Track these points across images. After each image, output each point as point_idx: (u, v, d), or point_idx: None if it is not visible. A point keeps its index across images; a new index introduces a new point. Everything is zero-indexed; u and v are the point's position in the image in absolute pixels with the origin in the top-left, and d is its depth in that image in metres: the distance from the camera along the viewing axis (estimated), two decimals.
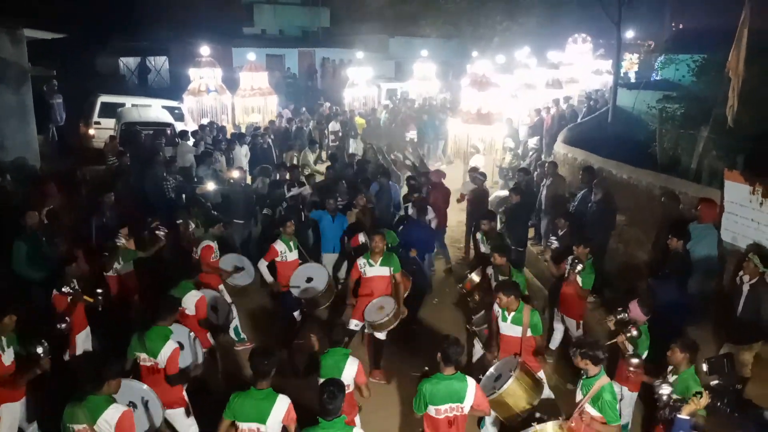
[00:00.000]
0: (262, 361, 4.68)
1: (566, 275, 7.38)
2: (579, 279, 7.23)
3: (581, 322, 7.56)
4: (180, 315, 6.45)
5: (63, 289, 6.32)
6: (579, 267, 7.06)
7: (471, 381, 4.94)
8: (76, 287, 6.50)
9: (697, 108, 12.16)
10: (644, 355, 5.79)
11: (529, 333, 6.03)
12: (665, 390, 4.96)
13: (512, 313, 6.05)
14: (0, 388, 5.36)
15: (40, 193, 8.79)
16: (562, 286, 7.52)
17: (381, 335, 7.26)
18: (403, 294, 7.34)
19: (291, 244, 8.06)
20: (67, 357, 6.52)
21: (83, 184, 10.21)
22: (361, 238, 8.76)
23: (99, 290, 6.64)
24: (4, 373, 5.36)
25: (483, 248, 8.66)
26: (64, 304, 6.34)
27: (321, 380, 5.27)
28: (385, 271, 7.22)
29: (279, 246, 7.95)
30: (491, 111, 13.01)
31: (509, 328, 6.11)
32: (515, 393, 5.37)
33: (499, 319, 6.18)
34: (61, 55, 18.93)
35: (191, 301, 6.48)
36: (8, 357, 5.44)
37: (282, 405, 4.62)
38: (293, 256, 8.07)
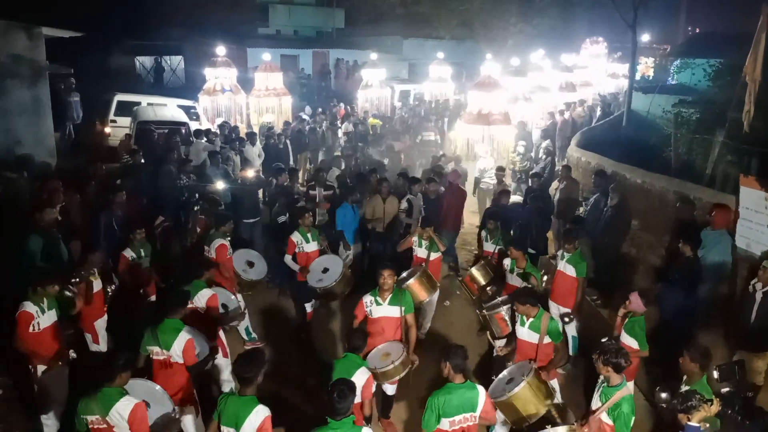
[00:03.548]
0: (245, 368, 4.55)
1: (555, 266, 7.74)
2: (572, 269, 7.40)
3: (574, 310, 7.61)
4: (192, 312, 6.53)
5: (73, 279, 6.46)
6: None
7: (481, 389, 4.91)
8: (95, 274, 6.72)
9: (713, 113, 12.08)
10: (644, 348, 6.15)
11: (546, 340, 6.02)
12: (663, 396, 4.95)
13: (530, 320, 6.06)
14: (36, 347, 5.76)
15: (46, 189, 8.88)
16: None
17: (389, 389, 6.40)
18: (414, 339, 6.41)
19: (309, 235, 8.14)
20: (92, 346, 6.85)
21: (96, 181, 10.28)
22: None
23: (112, 287, 6.85)
24: (44, 334, 5.81)
25: (486, 246, 8.81)
26: (82, 290, 6.55)
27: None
28: (395, 311, 6.28)
29: (295, 237, 8.07)
30: (492, 111, 12.96)
31: (526, 334, 6.11)
32: (525, 397, 5.37)
33: (518, 324, 6.20)
34: (78, 53, 19.09)
35: (203, 299, 6.53)
36: (48, 319, 5.86)
37: (258, 416, 4.41)
38: (311, 247, 8.16)
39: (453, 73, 25.33)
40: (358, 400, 5.07)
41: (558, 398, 6.16)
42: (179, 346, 5.46)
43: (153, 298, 7.88)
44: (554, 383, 6.04)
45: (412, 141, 17.06)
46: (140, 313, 7.29)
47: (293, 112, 18.77)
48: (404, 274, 7.62)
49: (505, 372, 5.87)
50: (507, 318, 6.95)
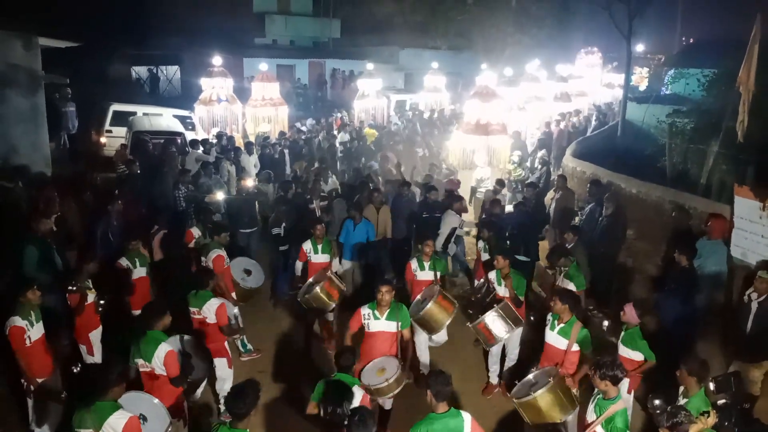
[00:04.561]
0: (237, 405, 4.41)
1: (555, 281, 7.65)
2: (570, 284, 7.34)
3: None
4: (200, 324, 6.54)
5: (70, 287, 6.53)
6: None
7: (466, 415, 4.64)
8: (89, 285, 6.73)
9: (707, 122, 12.13)
10: (651, 358, 6.06)
11: (574, 348, 5.98)
12: (656, 403, 4.92)
13: (561, 325, 6.04)
14: (30, 361, 5.75)
15: (42, 199, 8.85)
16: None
17: (387, 404, 6.32)
18: (410, 355, 6.41)
19: (319, 246, 8.19)
20: (87, 357, 6.80)
21: (91, 191, 10.26)
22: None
23: (102, 301, 6.82)
24: (35, 346, 5.79)
25: (484, 256, 8.66)
26: (76, 300, 6.62)
27: (321, 406, 5.16)
28: (392, 326, 6.22)
29: (306, 246, 8.18)
30: (490, 121, 13.00)
31: (554, 338, 6.09)
32: (549, 399, 5.42)
33: (547, 327, 6.19)
34: (74, 63, 19.12)
35: (212, 309, 6.50)
36: (37, 331, 5.84)
37: None
38: (319, 258, 8.20)
39: (449, 83, 25.39)
40: None
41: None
42: (159, 358, 5.43)
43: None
44: (576, 393, 5.92)
45: (407, 153, 16.99)
46: (134, 324, 7.24)
47: (290, 122, 18.78)
48: (419, 297, 7.38)
49: (530, 376, 5.89)
50: (490, 326, 6.81)
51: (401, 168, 13.38)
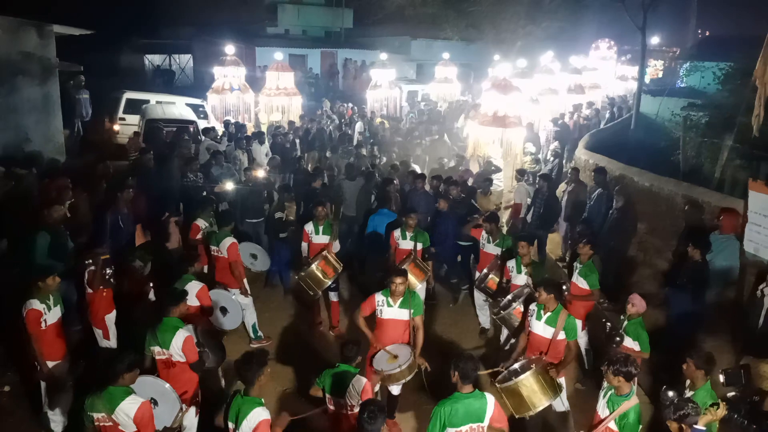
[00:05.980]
0: (243, 367, 4.61)
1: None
2: (583, 281, 7.31)
3: (585, 322, 7.52)
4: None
5: (86, 262, 6.70)
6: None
7: (490, 398, 4.76)
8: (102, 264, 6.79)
9: (722, 116, 12.05)
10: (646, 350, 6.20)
11: (560, 336, 6.00)
12: (670, 395, 4.91)
13: (548, 314, 6.06)
14: (43, 344, 5.81)
15: (55, 186, 8.92)
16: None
17: (395, 390, 6.34)
18: (421, 342, 6.35)
19: (320, 228, 8.32)
20: (103, 342, 6.88)
21: (105, 178, 10.31)
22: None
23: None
24: (50, 330, 5.87)
25: (488, 248, 8.54)
26: (92, 275, 6.73)
27: (327, 396, 5.27)
28: (404, 314, 6.25)
29: (308, 227, 8.37)
30: (507, 114, 12.94)
31: (542, 328, 6.10)
32: (531, 386, 5.46)
33: (533, 318, 6.19)
34: (87, 51, 19.19)
35: (192, 291, 6.55)
36: (53, 315, 5.93)
37: (254, 417, 4.46)
38: (319, 239, 8.34)
39: (461, 74, 25.29)
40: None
41: (566, 405, 6.14)
42: (177, 344, 5.48)
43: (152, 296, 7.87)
44: (561, 381, 5.97)
45: (435, 146, 16.98)
46: (140, 313, 7.30)
47: (304, 111, 18.78)
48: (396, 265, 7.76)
49: (516, 365, 5.94)
50: (524, 309, 6.87)
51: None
